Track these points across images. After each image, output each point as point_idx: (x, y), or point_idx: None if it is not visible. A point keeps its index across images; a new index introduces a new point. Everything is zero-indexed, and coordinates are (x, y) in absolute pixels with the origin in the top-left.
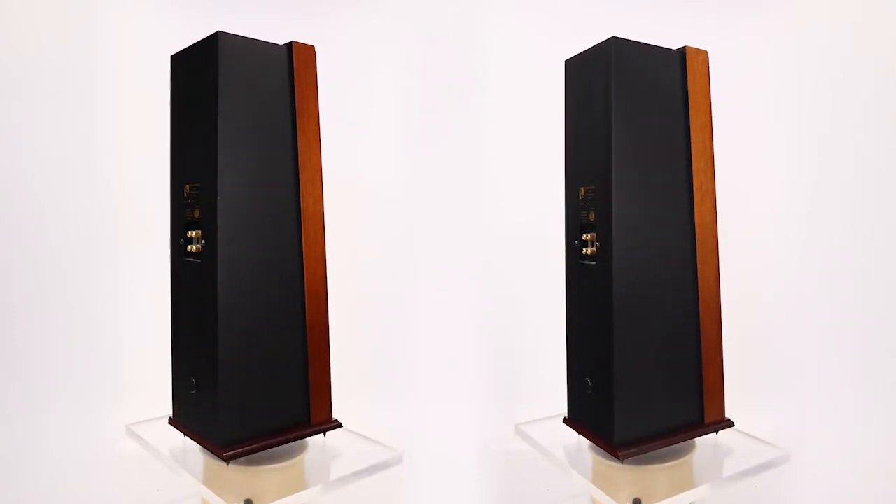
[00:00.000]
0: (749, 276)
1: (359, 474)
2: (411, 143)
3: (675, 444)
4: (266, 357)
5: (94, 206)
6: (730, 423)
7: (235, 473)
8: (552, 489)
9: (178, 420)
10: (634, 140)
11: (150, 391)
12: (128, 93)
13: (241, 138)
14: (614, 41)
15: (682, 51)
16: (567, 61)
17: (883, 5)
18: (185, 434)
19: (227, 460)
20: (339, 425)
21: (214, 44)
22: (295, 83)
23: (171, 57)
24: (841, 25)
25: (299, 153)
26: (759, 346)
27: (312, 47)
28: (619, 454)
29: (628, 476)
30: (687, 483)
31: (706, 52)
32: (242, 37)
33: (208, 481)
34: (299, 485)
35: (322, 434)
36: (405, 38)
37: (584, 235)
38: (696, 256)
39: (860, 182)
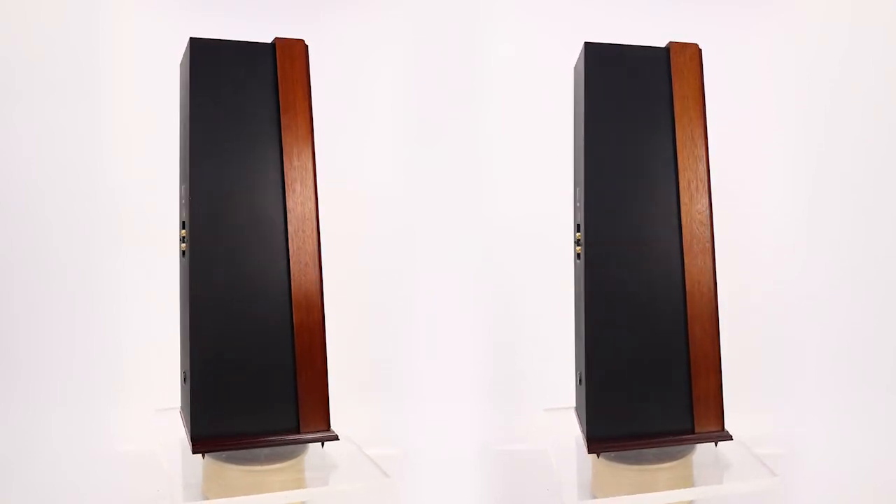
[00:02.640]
0: (749, 276)
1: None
2: (412, 142)
3: (653, 447)
4: (247, 358)
5: (96, 204)
6: (727, 436)
7: (234, 472)
8: (552, 485)
9: (180, 411)
10: (613, 141)
11: (152, 391)
12: (131, 92)
13: (216, 139)
14: (585, 45)
15: (668, 47)
16: (575, 67)
17: (884, 5)
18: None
19: (195, 453)
20: (336, 437)
21: (187, 50)
22: (279, 80)
23: (180, 65)
24: (841, 24)
25: (284, 152)
26: (758, 346)
27: (301, 41)
28: (589, 448)
29: (626, 474)
30: (685, 483)
31: (696, 45)
32: (220, 40)
33: (206, 478)
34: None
35: (320, 444)
36: (405, 38)
37: (577, 234)
38: (683, 258)
39: (862, 182)
